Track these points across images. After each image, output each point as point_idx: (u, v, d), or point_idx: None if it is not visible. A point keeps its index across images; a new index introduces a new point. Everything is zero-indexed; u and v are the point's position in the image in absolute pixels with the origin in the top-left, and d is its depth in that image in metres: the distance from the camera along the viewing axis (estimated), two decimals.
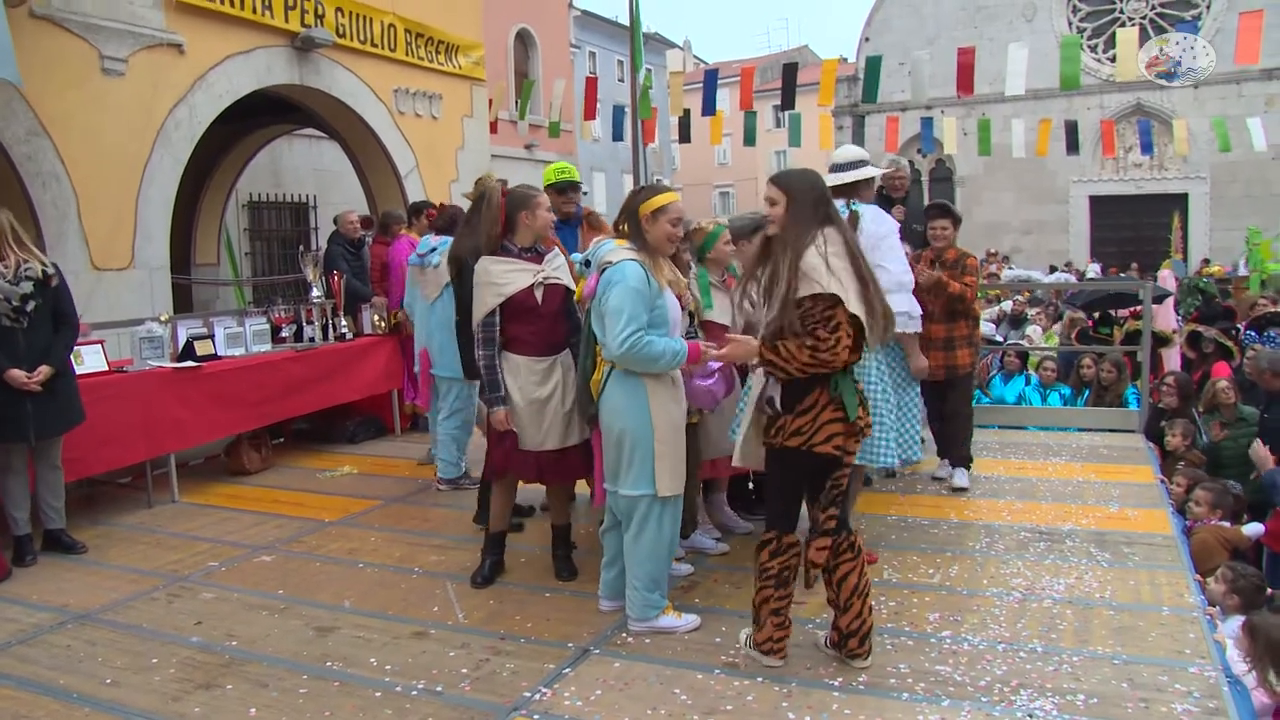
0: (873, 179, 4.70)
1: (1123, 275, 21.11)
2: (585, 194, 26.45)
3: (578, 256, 4.08)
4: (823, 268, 3.20)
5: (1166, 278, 11.28)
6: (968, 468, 5.93)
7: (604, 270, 3.69)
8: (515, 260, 4.24)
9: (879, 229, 4.49)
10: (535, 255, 4.30)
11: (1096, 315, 10.63)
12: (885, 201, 6.80)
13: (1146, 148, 20.17)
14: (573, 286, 4.27)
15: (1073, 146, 17.56)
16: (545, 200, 4.31)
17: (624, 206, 3.84)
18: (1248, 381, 7.32)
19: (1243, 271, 17.17)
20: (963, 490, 5.77)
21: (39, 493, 5.08)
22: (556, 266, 4.29)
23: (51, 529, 5.13)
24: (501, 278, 4.19)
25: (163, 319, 6.43)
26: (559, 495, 4.54)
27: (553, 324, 4.25)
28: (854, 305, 3.20)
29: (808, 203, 3.33)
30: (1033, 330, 11.40)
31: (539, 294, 4.21)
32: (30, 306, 4.81)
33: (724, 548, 4.77)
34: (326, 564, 4.83)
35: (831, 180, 4.43)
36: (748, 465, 3.64)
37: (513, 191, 4.34)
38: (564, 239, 5.29)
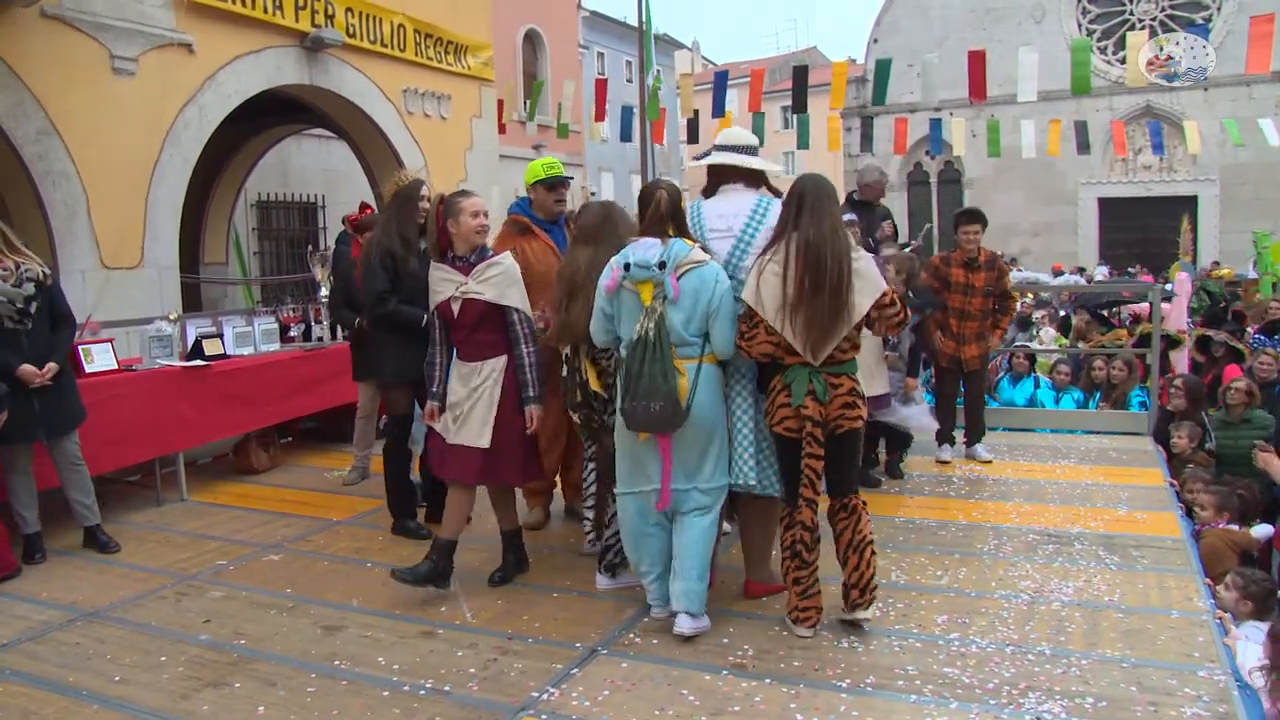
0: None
1: (1129, 273, 21.07)
2: (593, 194, 26.43)
3: (650, 258, 3.75)
4: (752, 280, 3.65)
5: (1184, 280, 11.23)
6: (981, 441, 6.65)
7: (688, 272, 3.66)
8: (448, 270, 4.26)
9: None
10: (466, 265, 4.23)
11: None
12: (861, 207, 7.06)
13: (1158, 147, 20.08)
14: (500, 300, 4.17)
15: (1083, 146, 17.50)
16: (470, 205, 4.23)
17: (670, 213, 3.78)
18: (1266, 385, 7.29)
19: (1251, 275, 17.08)
20: (988, 461, 6.49)
21: (67, 493, 5.09)
22: (484, 279, 4.18)
23: (88, 526, 5.16)
24: (436, 286, 4.29)
25: (172, 318, 6.44)
26: (498, 500, 4.50)
27: (471, 334, 4.24)
28: (769, 317, 3.59)
29: (783, 206, 3.76)
30: (1045, 334, 11.42)
31: (455, 307, 4.21)
32: (33, 308, 4.85)
33: None
34: (334, 563, 4.84)
35: (726, 159, 4.04)
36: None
37: (444, 201, 4.34)
38: (555, 240, 5.16)
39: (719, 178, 4.09)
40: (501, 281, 4.21)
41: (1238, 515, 5.46)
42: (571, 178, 5.39)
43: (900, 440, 6.25)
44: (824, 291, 3.53)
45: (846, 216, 5.35)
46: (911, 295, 6.00)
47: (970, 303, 6.32)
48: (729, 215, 3.97)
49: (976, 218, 6.49)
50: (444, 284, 4.25)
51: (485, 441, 4.18)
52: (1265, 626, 4.01)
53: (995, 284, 6.43)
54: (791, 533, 3.69)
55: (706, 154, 4.18)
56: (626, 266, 3.76)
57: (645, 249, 3.77)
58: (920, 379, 6.41)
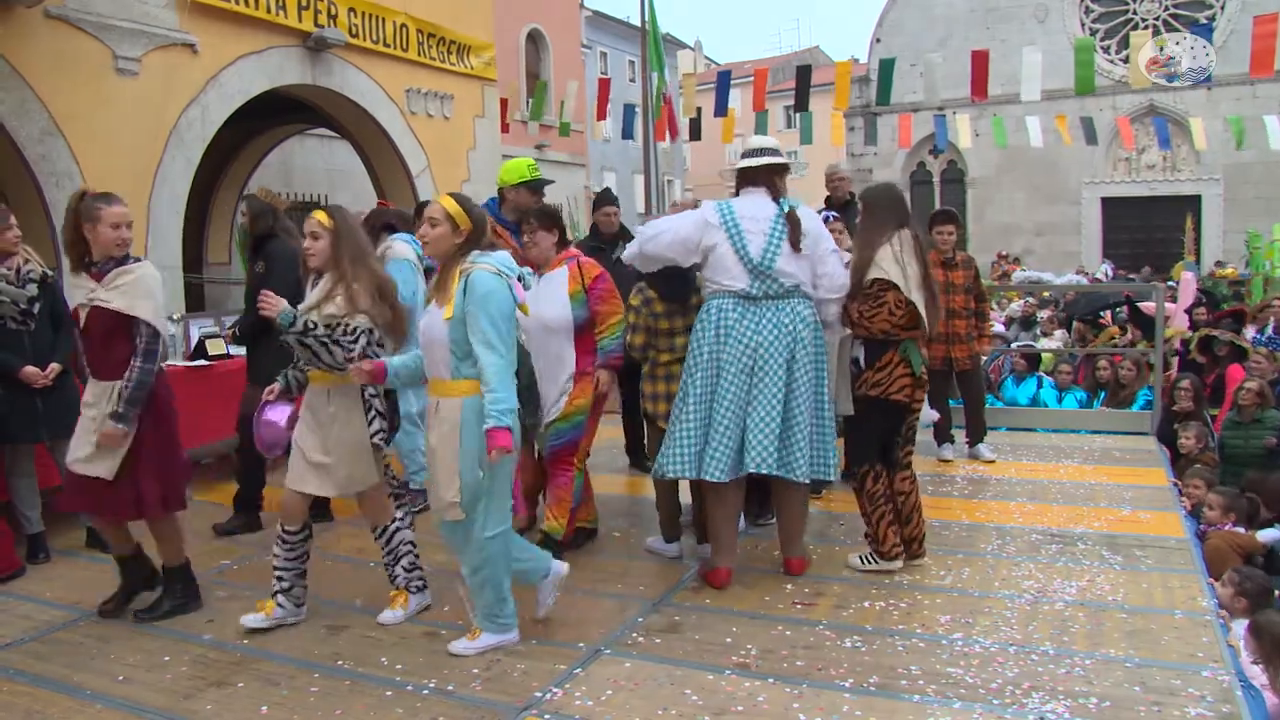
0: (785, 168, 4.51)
1: (1132, 276, 21.01)
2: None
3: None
4: (891, 261, 4.22)
5: (1189, 280, 11.23)
6: (984, 441, 6.78)
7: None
8: (84, 277, 3.92)
9: (818, 226, 4.39)
10: (99, 272, 3.88)
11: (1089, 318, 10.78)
12: (842, 207, 7.09)
13: (1165, 142, 20.04)
14: (129, 310, 3.82)
15: (1091, 138, 17.51)
16: (112, 215, 3.83)
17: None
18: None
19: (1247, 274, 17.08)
20: (991, 461, 6.56)
21: None
22: (114, 286, 3.83)
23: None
24: (74, 293, 4.00)
25: (175, 318, 6.45)
26: (156, 531, 4.14)
27: (102, 349, 3.87)
28: (912, 294, 4.19)
29: (880, 207, 4.43)
30: (1059, 334, 11.45)
31: (82, 315, 3.90)
32: (36, 309, 4.85)
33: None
34: (337, 563, 4.84)
35: (757, 162, 4.34)
36: (841, 413, 4.47)
37: (82, 201, 3.90)
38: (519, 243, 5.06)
39: (747, 180, 4.40)
40: (132, 290, 3.82)
41: (1244, 517, 5.45)
42: (547, 181, 5.39)
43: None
44: (929, 279, 4.32)
45: (826, 214, 5.45)
46: None
47: (954, 300, 6.45)
48: (755, 218, 4.23)
49: (951, 218, 6.76)
50: (78, 290, 3.92)
51: (109, 472, 3.82)
52: None
53: (973, 282, 6.61)
54: (884, 481, 4.39)
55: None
56: (520, 279, 3.60)
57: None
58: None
